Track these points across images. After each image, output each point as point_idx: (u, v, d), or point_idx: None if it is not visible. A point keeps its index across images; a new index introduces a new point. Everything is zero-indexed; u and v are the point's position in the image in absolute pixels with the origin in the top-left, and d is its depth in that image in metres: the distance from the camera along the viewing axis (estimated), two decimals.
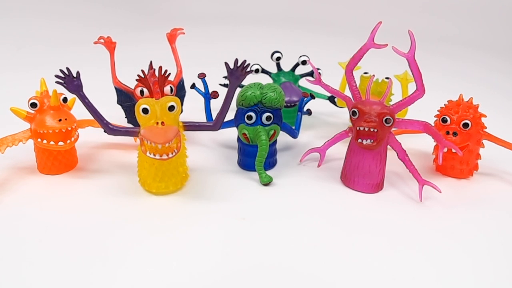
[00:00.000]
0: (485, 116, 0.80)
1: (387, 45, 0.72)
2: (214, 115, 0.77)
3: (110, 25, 2.01)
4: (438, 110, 0.81)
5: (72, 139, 0.77)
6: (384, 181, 0.78)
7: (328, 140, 0.84)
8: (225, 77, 1.02)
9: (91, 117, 0.73)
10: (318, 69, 0.93)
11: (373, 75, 0.85)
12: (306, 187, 0.78)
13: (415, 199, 0.74)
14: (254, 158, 0.78)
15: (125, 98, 0.90)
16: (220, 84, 1.05)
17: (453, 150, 0.75)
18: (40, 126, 0.74)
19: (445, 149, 0.74)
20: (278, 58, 1.02)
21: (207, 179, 0.79)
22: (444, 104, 0.81)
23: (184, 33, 0.96)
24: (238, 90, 0.77)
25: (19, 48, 1.68)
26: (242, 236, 0.65)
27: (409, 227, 0.68)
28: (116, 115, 0.87)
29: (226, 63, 0.70)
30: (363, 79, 0.94)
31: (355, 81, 0.77)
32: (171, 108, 0.68)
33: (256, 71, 1.02)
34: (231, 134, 0.87)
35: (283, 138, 0.89)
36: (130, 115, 0.91)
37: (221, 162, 0.86)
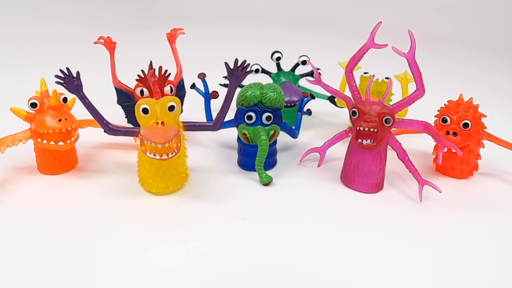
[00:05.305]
0: (485, 116, 0.80)
1: (387, 45, 0.72)
2: (214, 115, 0.77)
3: (110, 25, 2.01)
4: (438, 110, 0.81)
5: (72, 139, 0.77)
6: (384, 181, 0.78)
7: (328, 140, 0.84)
8: (225, 77, 1.02)
9: (91, 117, 0.73)
10: (318, 69, 0.92)
11: (373, 75, 0.85)
12: (306, 187, 0.78)
13: (415, 199, 0.74)
14: (254, 158, 0.78)
15: (125, 98, 0.90)
16: (220, 84, 1.05)
17: (453, 150, 0.75)
18: (40, 126, 0.74)
19: (445, 149, 0.74)
20: (278, 58, 1.02)
21: (207, 179, 0.79)
22: (444, 104, 0.81)
23: (184, 33, 0.96)
24: (238, 90, 0.77)
25: (19, 48, 1.68)
26: (242, 236, 0.65)
27: (409, 227, 0.68)
28: (116, 115, 0.87)
29: (226, 63, 0.70)
30: (363, 79, 0.94)
31: (355, 81, 0.77)
32: (171, 108, 0.68)
33: (256, 71, 1.02)
34: (231, 134, 0.87)
35: (283, 138, 0.89)
36: (130, 115, 0.91)
37: (221, 162, 0.86)
